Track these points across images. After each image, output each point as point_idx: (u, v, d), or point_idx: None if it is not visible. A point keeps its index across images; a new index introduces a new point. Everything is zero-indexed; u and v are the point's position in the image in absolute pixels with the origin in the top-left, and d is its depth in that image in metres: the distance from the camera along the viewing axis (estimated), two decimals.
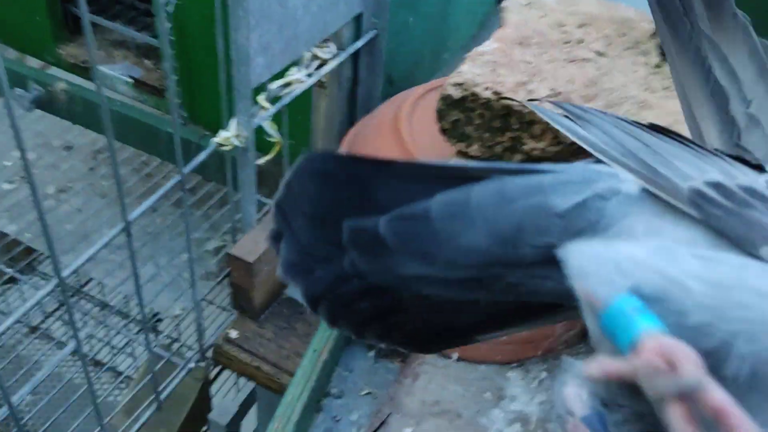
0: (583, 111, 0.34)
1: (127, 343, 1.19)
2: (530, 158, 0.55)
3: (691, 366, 0.22)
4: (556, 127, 0.33)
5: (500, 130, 0.55)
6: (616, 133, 0.31)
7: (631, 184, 0.30)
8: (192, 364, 0.78)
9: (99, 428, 0.72)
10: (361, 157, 0.33)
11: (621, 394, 0.27)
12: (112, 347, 1.27)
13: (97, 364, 1.42)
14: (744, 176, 0.29)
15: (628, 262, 0.26)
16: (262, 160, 0.85)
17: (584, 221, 0.29)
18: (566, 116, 0.33)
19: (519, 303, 0.34)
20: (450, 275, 0.31)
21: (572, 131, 0.32)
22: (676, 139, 0.31)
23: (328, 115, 0.88)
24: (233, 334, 0.74)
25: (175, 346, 1.08)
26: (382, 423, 0.64)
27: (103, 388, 1.42)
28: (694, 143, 0.31)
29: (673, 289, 0.24)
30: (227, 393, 1.39)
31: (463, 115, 0.56)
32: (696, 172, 0.29)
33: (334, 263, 0.33)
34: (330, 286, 0.34)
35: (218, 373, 1.36)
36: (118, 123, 1.18)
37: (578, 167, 0.32)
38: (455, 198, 0.31)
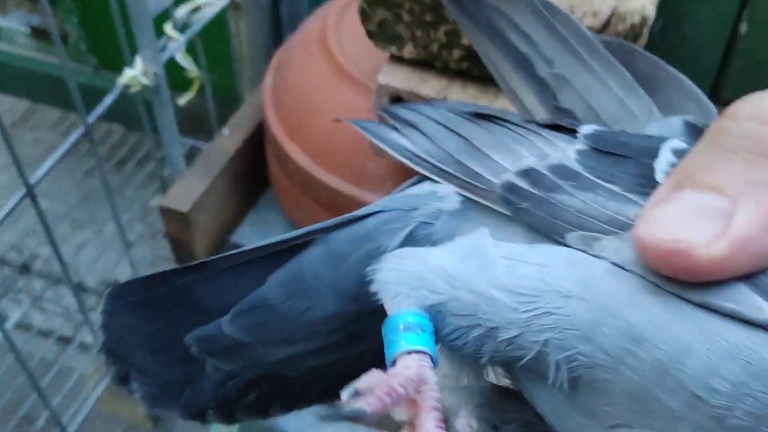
0: (415, 113, 0.31)
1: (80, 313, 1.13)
2: (471, 53, 0.48)
3: (426, 401, 0.22)
4: (378, 144, 0.30)
5: (434, 25, 0.48)
6: (439, 135, 0.29)
7: (451, 198, 0.28)
8: None
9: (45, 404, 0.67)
10: (167, 271, 0.30)
11: (505, 409, 0.26)
12: (66, 319, 1.21)
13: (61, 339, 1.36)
14: (557, 151, 0.27)
15: (432, 275, 0.25)
16: (183, 99, 0.77)
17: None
18: (394, 126, 0.31)
19: None
20: (318, 345, 0.30)
21: (393, 145, 0.29)
22: (498, 123, 0.29)
23: (250, 40, 0.79)
24: None
25: None
26: None
27: (70, 359, 1.36)
28: (515, 123, 0.29)
29: (480, 303, 0.23)
30: None
31: (390, 13, 0.49)
32: (510, 161, 0.27)
33: (200, 377, 0.32)
34: (208, 397, 0.32)
35: None
36: (23, 79, 1.08)
37: (398, 199, 0.30)
38: (287, 275, 0.29)
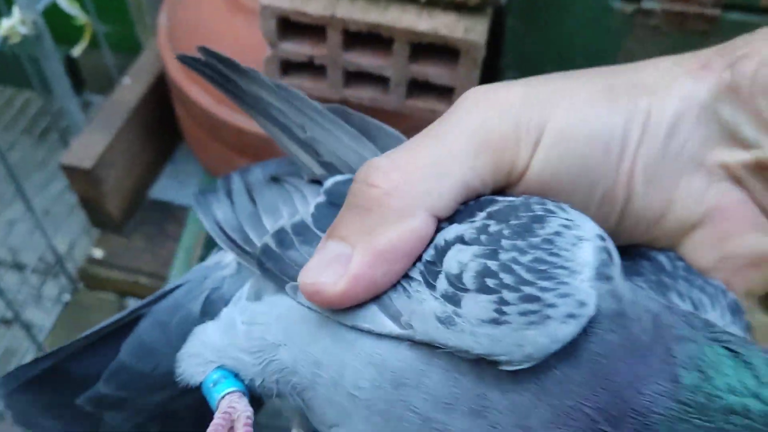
0: (237, 178, 0.36)
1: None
2: None
3: (240, 422, 0.29)
4: (201, 220, 0.35)
5: None
6: (240, 203, 0.35)
7: (231, 264, 0.35)
8: (67, 296, 0.70)
9: None
10: (35, 359, 0.36)
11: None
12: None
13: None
14: (305, 207, 0.32)
15: (207, 350, 0.32)
16: (77, 50, 0.72)
17: (213, 308, 0.34)
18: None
19: None
20: (181, 388, 0.34)
21: (208, 219, 0.34)
22: (285, 184, 0.35)
23: None
24: (97, 253, 0.66)
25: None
26: None
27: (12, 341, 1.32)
28: (293, 184, 0.34)
29: (237, 365, 0.30)
30: None
31: None
32: (272, 222, 0.33)
33: (102, 423, 0.38)
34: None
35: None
36: None
37: (195, 271, 0.35)
38: (134, 344, 0.35)
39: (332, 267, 0.26)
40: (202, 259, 0.63)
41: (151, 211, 0.70)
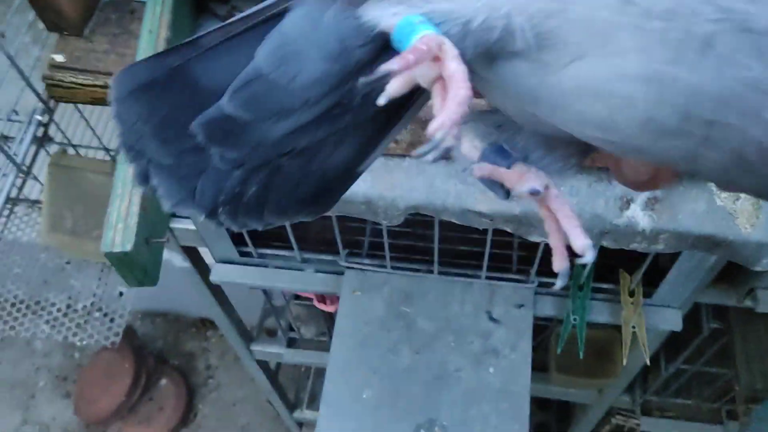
0: None
1: None
2: None
3: (448, 51, 0.25)
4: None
5: None
6: None
7: None
8: (38, 116, 0.66)
9: None
10: (164, 51, 0.31)
11: (493, 120, 0.30)
12: None
13: None
14: None
15: None
16: None
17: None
18: None
19: (380, 116, 0.34)
20: (312, 115, 0.31)
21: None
22: None
23: None
24: (59, 58, 0.62)
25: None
26: None
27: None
28: None
29: (452, 10, 0.27)
30: None
31: None
32: None
33: (208, 169, 0.32)
34: (216, 189, 0.32)
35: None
36: None
37: None
38: (274, 44, 0.30)
39: None
40: (169, 41, 0.59)
41: (110, 10, 0.65)
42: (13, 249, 1.26)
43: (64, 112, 1.07)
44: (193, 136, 0.31)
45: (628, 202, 0.56)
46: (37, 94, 0.63)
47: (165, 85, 0.31)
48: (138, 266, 0.50)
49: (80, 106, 0.96)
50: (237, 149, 0.32)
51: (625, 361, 0.89)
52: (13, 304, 1.26)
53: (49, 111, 0.65)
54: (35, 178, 0.74)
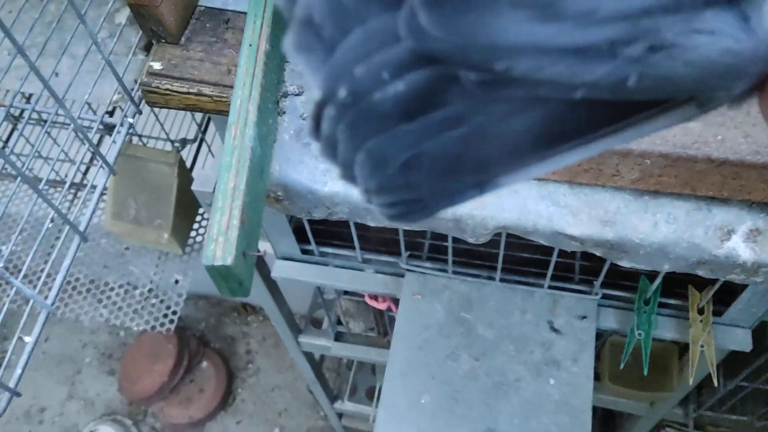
0: None
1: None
2: None
3: None
4: None
5: None
6: None
7: None
8: (130, 119, 0.68)
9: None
10: None
11: None
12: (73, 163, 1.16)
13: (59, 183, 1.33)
14: None
15: None
16: None
17: None
18: None
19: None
20: (578, 40, 0.20)
21: None
22: None
23: None
24: (157, 65, 0.62)
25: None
26: None
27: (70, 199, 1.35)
28: None
29: None
30: (204, 163, 1.33)
31: None
32: None
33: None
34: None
35: (195, 156, 1.28)
36: None
37: None
38: None
39: None
40: (271, 56, 0.59)
41: (206, 19, 0.65)
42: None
43: None
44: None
45: (729, 233, 0.54)
46: (131, 98, 0.64)
47: None
48: (235, 278, 0.51)
49: None
50: (445, 27, 0.20)
51: (692, 381, 0.87)
52: (74, 287, 1.29)
53: (140, 113, 0.66)
54: (115, 173, 0.75)
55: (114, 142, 0.63)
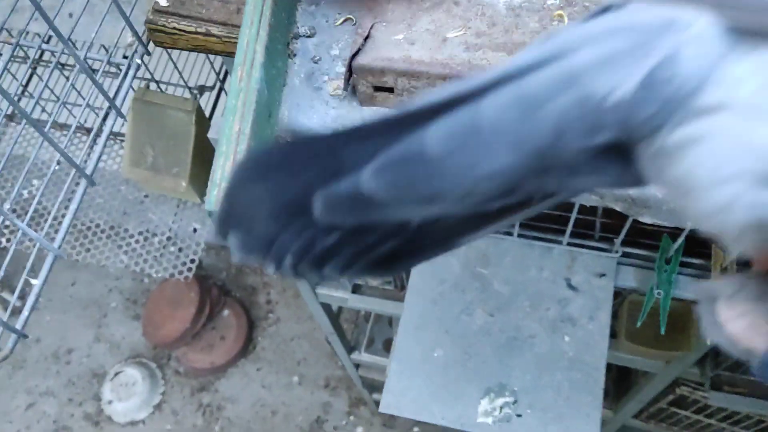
0: None
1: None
2: None
3: None
4: None
5: None
6: None
7: (699, 26, 0.23)
8: (138, 59, 0.66)
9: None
10: (297, 138, 0.29)
11: None
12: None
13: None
14: None
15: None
16: None
17: (655, 98, 0.23)
18: None
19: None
20: (465, 204, 0.26)
21: None
22: None
23: None
24: (163, 2, 0.60)
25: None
26: (367, 37, 0.53)
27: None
28: None
29: None
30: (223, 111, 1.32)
31: None
32: None
33: (297, 232, 0.29)
34: (305, 248, 0.29)
35: (214, 105, 1.27)
36: None
37: (615, 29, 0.23)
38: (457, 125, 0.25)
39: None
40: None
41: None
42: (96, 179, 1.29)
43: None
44: (305, 212, 0.27)
45: None
46: (139, 38, 0.62)
47: (298, 163, 0.28)
48: None
49: None
50: (349, 221, 0.29)
51: (709, 341, 0.86)
52: (94, 233, 1.30)
53: (148, 54, 0.65)
54: (123, 117, 0.74)
55: (122, 83, 0.61)
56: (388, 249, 0.31)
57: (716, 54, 0.23)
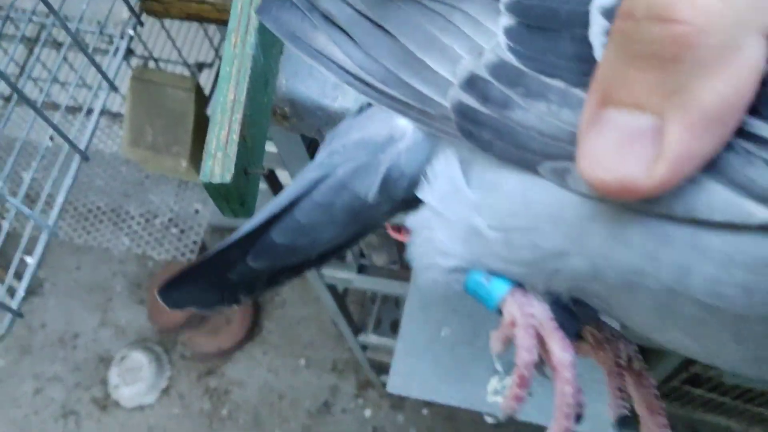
0: None
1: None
2: None
3: (546, 329, 0.26)
4: (310, 61, 0.29)
5: None
6: (366, 37, 0.26)
7: (407, 134, 0.29)
8: (131, 30, 0.63)
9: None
10: (190, 267, 0.37)
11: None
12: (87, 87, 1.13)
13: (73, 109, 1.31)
14: (487, 38, 0.24)
15: (444, 258, 0.27)
16: None
17: (394, 191, 0.30)
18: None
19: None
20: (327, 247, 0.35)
21: (326, 63, 0.27)
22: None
23: None
24: None
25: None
26: None
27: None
28: None
29: (502, 272, 0.26)
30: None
31: None
32: (449, 67, 0.24)
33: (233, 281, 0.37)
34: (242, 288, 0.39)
35: (213, 83, 1.24)
36: None
37: (357, 144, 0.30)
38: (288, 228, 0.34)
39: (634, 149, 0.18)
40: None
41: None
42: (96, 160, 1.27)
43: (146, 24, 1.04)
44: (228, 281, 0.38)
45: None
46: (130, 7, 0.60)
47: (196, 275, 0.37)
48: (236, 197, 0.47)
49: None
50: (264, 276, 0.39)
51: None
52: (95, 215, 1.29)
53: (141, 24, 0.62)
54: (116, 90, 0.72)
55: (115, 55, 0.59)
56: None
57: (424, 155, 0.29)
